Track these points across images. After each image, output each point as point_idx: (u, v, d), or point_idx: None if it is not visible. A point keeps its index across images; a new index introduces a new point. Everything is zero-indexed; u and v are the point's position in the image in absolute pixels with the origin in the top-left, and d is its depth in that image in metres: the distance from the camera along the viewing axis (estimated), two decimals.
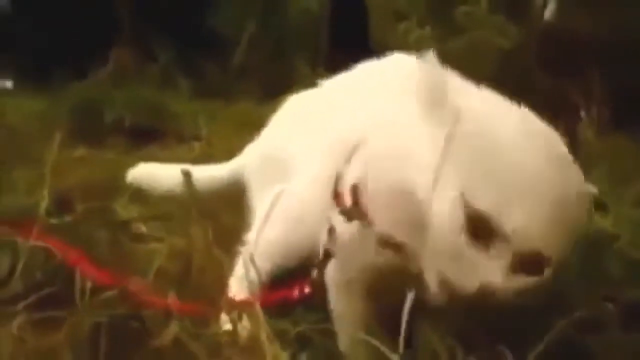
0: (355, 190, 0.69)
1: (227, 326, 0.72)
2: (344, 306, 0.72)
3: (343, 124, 0.80)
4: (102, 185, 1.51)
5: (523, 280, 0.61)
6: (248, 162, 0.93)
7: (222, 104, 3.44)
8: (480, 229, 0.59)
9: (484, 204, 0.58)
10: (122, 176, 1.64)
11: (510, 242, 0.59)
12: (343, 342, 0.72)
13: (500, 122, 0.62)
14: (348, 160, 0.74)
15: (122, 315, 0.69)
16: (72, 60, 2.93)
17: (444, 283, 0.61)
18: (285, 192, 0.82)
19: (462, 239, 0.59)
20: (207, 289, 0.81)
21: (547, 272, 0.62)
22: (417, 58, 0.79)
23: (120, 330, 0.67)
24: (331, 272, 0.73)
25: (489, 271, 0.59)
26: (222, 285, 0.81)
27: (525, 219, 0.58)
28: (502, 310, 0.76)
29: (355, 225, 0.69)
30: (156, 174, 1.07)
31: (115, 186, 1.48)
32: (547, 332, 0.68)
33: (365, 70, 0.86)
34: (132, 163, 1.86)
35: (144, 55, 3.28)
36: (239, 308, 0.71)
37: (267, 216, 0.81)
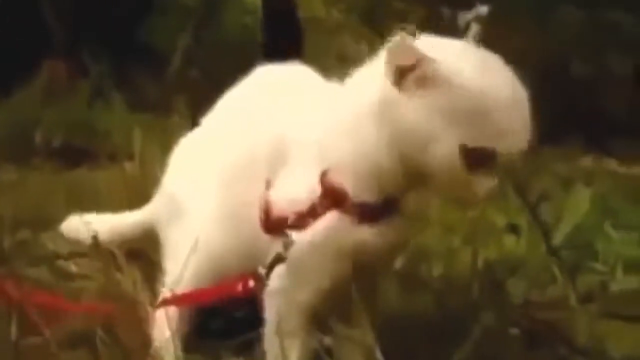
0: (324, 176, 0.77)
1: None
2: (282, 325, 0.77)
3: (240, 152, 0.86)
4: (31, 213, 1.51)
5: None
6: (155, 207, 1.00)
7: (155, 118, 3.43)
8: (474, 157, 0.73)
9: (480, 142, 0.72)
10: (51, 203, 1.64)
11: (499, 157, 0.74)
12: None
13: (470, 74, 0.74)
14: (269, 185, 0.80)
15: None
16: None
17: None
18: (194, 224, 0.87)
19: (464, 173, 0.74)
20: (134, 326, 0.85)
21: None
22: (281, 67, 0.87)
23: None
24: (272, 295, 0.79)
25: (488, 182, 0.74)
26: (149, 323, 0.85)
27: (509, 140, 0.73)
28: (416, 336, 0.84)
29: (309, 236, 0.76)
30: (86, 225, 1.11)
31: (45, 215, 1.49)
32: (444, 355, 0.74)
33: (238, 93, 0.92)
34: (62, 187, 1.86)
35: (76, 68, 3.24)
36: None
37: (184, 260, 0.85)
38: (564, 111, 3.61)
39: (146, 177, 2.03)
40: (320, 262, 0.76)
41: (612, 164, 2.98)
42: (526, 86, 0.76)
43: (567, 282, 1.08)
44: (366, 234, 0.75)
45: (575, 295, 1.04)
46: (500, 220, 1.45)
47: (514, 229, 1.37)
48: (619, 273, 1.12)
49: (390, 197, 0.76)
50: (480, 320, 0.88)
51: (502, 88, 0.73)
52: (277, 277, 0.78)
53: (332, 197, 0.76)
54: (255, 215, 0.81)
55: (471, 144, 0.71)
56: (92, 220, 1.13)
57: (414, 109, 0.72)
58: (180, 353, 0.78)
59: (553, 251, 1.16)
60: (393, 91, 0.73)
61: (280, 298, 0.78)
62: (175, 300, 0.83)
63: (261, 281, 0.79)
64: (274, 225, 0.79)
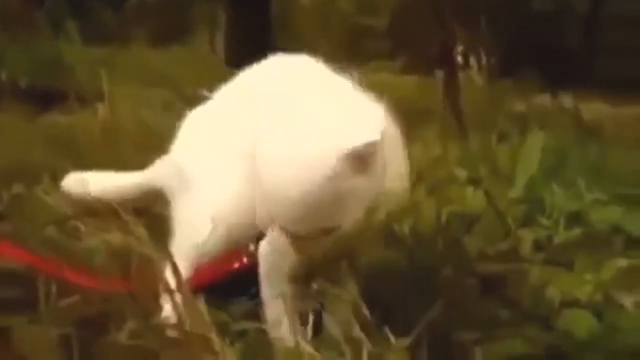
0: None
1: (170, 317, 0.92)
2: (268, 286, 0.93)
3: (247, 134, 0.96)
4: (15, 164, 1.61)
5: None
6: (162, 174, 1.10)
7: (116, 49, 3.45)
8: None
9: None
10: (32, 152, 1.74)
11: None
12: (268, 322, 0.93)
13: None
14: None
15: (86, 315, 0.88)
16: None
17: None
18: (205, 196, 1.01)
19: None
20: (147, 282, 1.00)
21: None
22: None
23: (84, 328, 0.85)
24: (262, 267, 0.94)
25: None
26: (160, 277, 0.99)
27: None
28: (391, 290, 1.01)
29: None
30: (86, 182, 1.22)
31: (29, 166, 1.59)
32: (418, 309, 0.92)
33: (250, 76, 1.04)
34: (38, 134, 1.94)
35: None
36: (180, 300, 0.91)
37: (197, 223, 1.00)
38: (523, 45, 3.79)
39: (118, 121, 2.13)
40: (281, 239, 0.88)
41: (567, 101, 3.19)
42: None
43: (518, 235, 1.28)
44: None
45: (527, 247, 1.24)
46: (462, 172, 1.63)
47: (474, 181, 1.55)
48: (562, 227, 1.31)
49: None
50: (444, 274, 1.07)
51: None
52: (263, 249, 0.93)
53: None
54: None
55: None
56: (91, 178, 1.24)
57: None
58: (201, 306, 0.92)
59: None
60: None
61: (267, 266, 0.93)
62: (181, 287, 0.96)
63: (253, 257, 0.94)
64: None
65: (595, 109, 3.21)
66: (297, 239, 0.87)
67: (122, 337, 0.87)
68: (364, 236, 0.91)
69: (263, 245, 0.94)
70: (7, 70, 2.43)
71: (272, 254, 0.93)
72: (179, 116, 2.50)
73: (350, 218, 0.85)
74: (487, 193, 1.41)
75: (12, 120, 2.05)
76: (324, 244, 0.88)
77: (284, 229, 0.87)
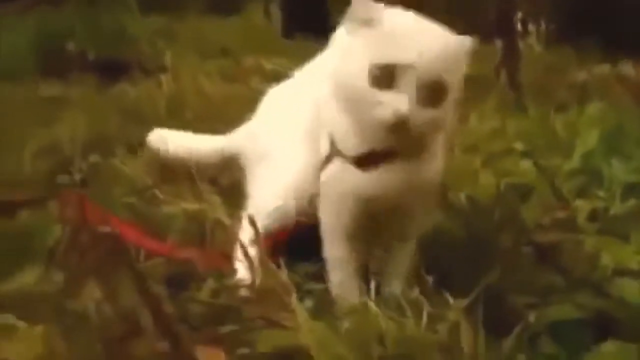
0: None
1: (244, 278, 1.01)
2: (331, 249, 1.01)
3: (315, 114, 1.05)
4: (91, 134, 1.73)
5: (429, 113, 0.93)
6: (241, 142, 1.21)
7: (172, 20, 3.56)
8: (385, 77, 0.92)
9: (385, 59, 0.92)
10: (106, 122, 1.86)
11: (409, 75, 0.91)
12: (333, 283, 1.01)
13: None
14: None
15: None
16: None
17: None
18: (278, 167, 1.10)
19: (369, 88, 0.92)
20: (222, 246, 1.10)
21: (446, 103, 0.94)
22: None
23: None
24: (322, 222, 1.01)
25: (398, 102, 0.90)
26: (234, 241, 1.09)
27: (418, 55, 0.92)
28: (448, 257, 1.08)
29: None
30: (169, 140, 1.33)
31: (105, 138, 1.70)
32: (475, 274, 0.99)
33: (323, 59, 1.10)
34: (110, 105, 2.06)
35: None
36: (255, 261, 1.00)
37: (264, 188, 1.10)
38: (583, 12, 3.72)
39: (182, 91, 2.24)
40: (335, 198, 0.98)
41: (627, 69, 3.14)
42: None
43: (574, 205, 1.32)
44: (367, 178, 0.95)
45: (582, 217, 1.28)
46: (519, 145, 1.66)
47: (527, 155, 1.59)
48: (618, 199, 1.35)
49: (382, 147, 0.94)
50: (500, 242, 1.13)
51: (409, 20, 0.93)
52: (325, 177, 0.99)
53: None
54: None
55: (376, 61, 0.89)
56: (174, 137, 1.34)
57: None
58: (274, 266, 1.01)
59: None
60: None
61: (327, 223, 1.01)
62: (260, 247, 1.03)
63: (312, 217, 1.00)
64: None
65: None
66: (360, 166, 0.94)
67: (202, 295, 0.97)
68: (422, 191, 0.98)
69: (324, 176, 0.99)
70: (76, 42, 2.56)
71: (322, 209, 0.99)
72: (238, 86, 2.59)
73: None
74: (537, 164, 1.45)
75: (84, 91, 2.18)
76: (385, 181, 0.95)
77: (346, 155, 0.95)
